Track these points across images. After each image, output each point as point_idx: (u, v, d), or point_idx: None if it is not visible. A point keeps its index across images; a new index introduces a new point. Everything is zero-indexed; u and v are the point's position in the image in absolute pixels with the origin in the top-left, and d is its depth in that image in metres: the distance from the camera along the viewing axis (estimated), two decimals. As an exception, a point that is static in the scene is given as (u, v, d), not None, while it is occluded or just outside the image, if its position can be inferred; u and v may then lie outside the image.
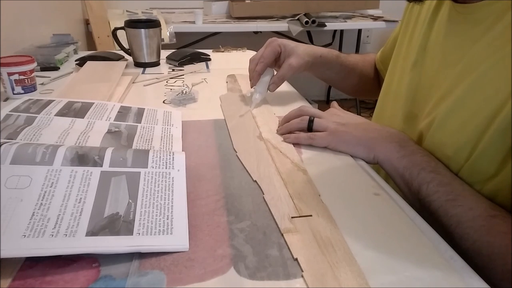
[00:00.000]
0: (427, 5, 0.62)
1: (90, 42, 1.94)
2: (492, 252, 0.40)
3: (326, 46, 2.34)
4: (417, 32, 0.63)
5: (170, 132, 0.60)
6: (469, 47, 0.50)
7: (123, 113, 0.65)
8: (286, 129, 0.62)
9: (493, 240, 0.40)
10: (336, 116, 0.62)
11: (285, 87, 0.91)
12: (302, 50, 0.77)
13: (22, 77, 0.76)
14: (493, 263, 0.40)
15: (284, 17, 2.22)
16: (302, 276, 0.34)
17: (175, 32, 1.94)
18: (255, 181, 0.49)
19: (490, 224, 0.41)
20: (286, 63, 0.75)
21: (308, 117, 0.60)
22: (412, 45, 0.63)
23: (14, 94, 0.76)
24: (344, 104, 2.91)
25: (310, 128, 0.60)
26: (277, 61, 0.78)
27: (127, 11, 2.22)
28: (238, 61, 1.03)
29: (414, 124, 0.58)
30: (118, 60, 1.04)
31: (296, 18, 2.15)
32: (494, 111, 0.44)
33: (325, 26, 2.12)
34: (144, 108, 0.68)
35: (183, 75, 0.98)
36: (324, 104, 2.89)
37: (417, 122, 0.57)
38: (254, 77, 0.76)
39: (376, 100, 0.76)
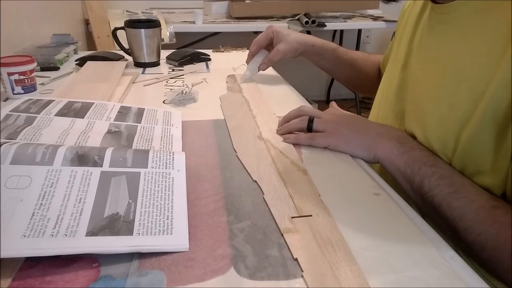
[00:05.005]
0: (415, 10, 0.64)
1: (90, 42, 1.94)
2: (498, 244, 0.40)
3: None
4: (405, 36, 0.65)
5: (170, 132, 0.60)
6: (446, 45, 0.52)
7: (123, 113, 0.65)
8: (286, 129, 0.62)
9: (497, 232, 0.41)
10: (336, 116, 0.62)
11: (285, 87, 0.91)
12: (293, 38, 0.86)
13: (22, 77, 0.76)
14: (499, 255, 0.40)
15: (284, 17, 2.22)
16: (302, 276, 0.34)
17: (175, 32, 1.94)
18: (255, 181, 0.49)
19: (493, 216, 0.42)
20: (275, 48, 0.87)
21: (307, 117, 0.60)
22: (401, 49, 0.65)
23: (14, 94, 0.76)
24: (344, 104, 2.91)
25: (310, 128, 0.60)
26: (272, 45, 0.89)
27: (127, 11, 2.22)
28: (238, 61, 1.03)
29: (403, 122, 0.59)
30: (118, 60, 1.04)
31: (296, 18, 2.15)
32: (472, 104, 0.46)
33: (325, 26, 2.12)
34: (144, 108, 0.68)
35: (183, 75, 0.98)
36: (324, 104, 2.89)
37: (405, 120, 0.59)
38: (248, 57, 0.92)
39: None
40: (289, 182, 0.49)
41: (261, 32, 0.91)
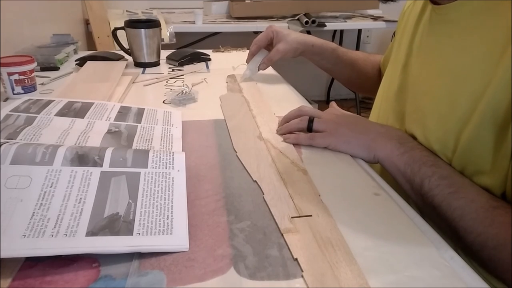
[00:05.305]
0: (415, 11, 0.64)
1: (90, 42, 1.94)
2: (498, 244, 0.40)
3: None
4: (405, 36, 0.65)
5: (170, 132, 0.60)
6: (446, 45, 0.53)
7: (123, 113, 0.65)
8: (286, 129, 0.62)
9: (497, 232, 0.41)
10: (336, 116, 0.62)
11: (285, 87, 0.91)
12: (292, 38, 0.86)
13: (22, 77, 0.76)
14: (498, 255, 0.40)
15: (284, 17, 2.22)
16: (302, 276, 0.34)
17: (175, 32, 1.94)
18: (255, 181, 0.49)
19: (493, 216, 0.42)
20: (275, 47, 0.87)
21: (307, 117, 0.60)
22: (401, 49, 0.65)
23: (14, 94, 0.76)
24: (344, 104, 2.91)
25: (310, 128, 0.60)
26: (272, 45, 0.89)
27: (127, 11, 2.22)
28: (238, 61, 1.03)
29: (403, 123, 0.60)
30: (118, 60, 1.04)
31: (296, 18, 2.15)
32: (472, 104, 0.46)
33: (325, 26, 2.12)
34: (144, 108, 0.68)
35: (183, 75, 0.98)
36: (324, 104, 2.89)
37: (405, 121, 0.59)
38: (248, 56, 0.92)
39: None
40: (289, 182, 0.49)
41: (261, 32, 0.91)
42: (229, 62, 1.08)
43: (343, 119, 0.61)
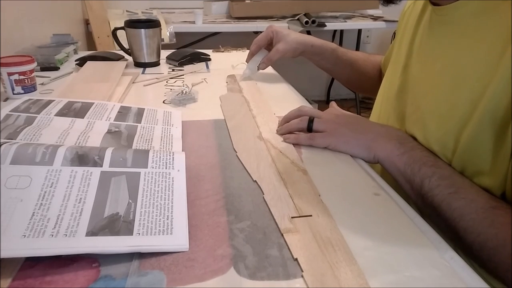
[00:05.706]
0: (415, 11, 0.64)
1: (90, 42, 1.94)
2: (497, 244, 0.40)
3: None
4: (405, 37, 0.65)
5: (170, 132, 0.60)
6: (446, 46, 0.53)
7: (123, 113, 0.65)
8: (286, 129, 0.62)
9: (497, 232, 0.41)
10: (336, 116, 0.62)
11: (285, 87, 0.91)
12: (292, 38, 0.87)
13: (22, 77, 0.76)
14: (498, 255, 0.40)
15: (284, 17, 2.23)
16: (302, 276, 0.34)
17: (175, 32, 1.94)
18: (255, 181, 0.49)
19: (493, 216, 0.42)
20: (275, 47, 0.88)
21: (307, 117, 0.60)
22: (401, 50, 0.65)
23: (14, 94, 0.76)
24: (344, 104, 2.91)
25: (310, 128, 0.60)
26: (272, 45, 0.90)
27: (127, 11, 2.21)
28: (238, 61, 1.03)
29: (403, 124, 0.60)
30: (118, 60, 1.04)
31: (296, 18, 2.15)
32: (472, 105, 0.46)
33: (325, 26, 2.12)
34: (144, 108, 0.68)
35: (183, 75, 0.98)
36: (324, 104, 2.89)
37: (405, 122, 0.59)
38: (248, 56, 0.93)
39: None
40: (289, 182, 0.49)
41: (261, 32, 0.92)
42: (229, 62, 1.08)
43: (343, 119, 0.61)
